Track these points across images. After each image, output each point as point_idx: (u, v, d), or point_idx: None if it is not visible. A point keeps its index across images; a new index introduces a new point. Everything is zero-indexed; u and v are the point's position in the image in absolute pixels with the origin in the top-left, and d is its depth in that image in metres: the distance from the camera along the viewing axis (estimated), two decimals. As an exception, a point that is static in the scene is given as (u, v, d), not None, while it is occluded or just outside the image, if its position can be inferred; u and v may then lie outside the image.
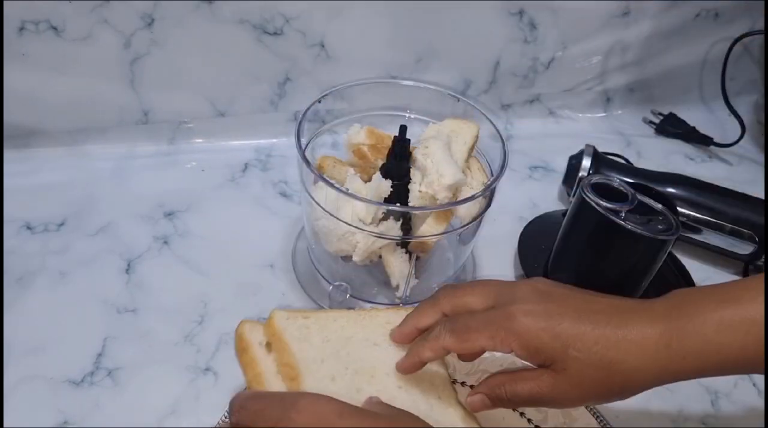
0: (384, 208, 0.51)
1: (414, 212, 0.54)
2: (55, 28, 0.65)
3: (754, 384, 0.57)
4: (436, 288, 0.59)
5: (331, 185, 0.49)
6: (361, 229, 0.51)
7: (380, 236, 0.51)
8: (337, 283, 0.58)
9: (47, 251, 0.61)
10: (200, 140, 0.77)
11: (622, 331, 0.37)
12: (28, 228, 0.64)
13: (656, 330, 0.37)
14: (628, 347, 0.37)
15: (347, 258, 0.56)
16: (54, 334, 0.54)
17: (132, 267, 0.61)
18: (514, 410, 0.48)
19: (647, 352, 0.37)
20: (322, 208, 0.51)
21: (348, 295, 0.58)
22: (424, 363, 0.41)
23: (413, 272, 0.55)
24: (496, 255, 0.66)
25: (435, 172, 0.51)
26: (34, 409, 0.48)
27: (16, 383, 0.50)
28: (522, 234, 0.65)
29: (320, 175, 0.50)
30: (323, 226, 0.53)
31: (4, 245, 0.61)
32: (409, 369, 0.41)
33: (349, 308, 0.56)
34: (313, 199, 0.52)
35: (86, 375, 0.51)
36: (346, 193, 0.50)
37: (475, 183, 0.56)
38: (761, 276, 0.37)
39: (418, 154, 0.53)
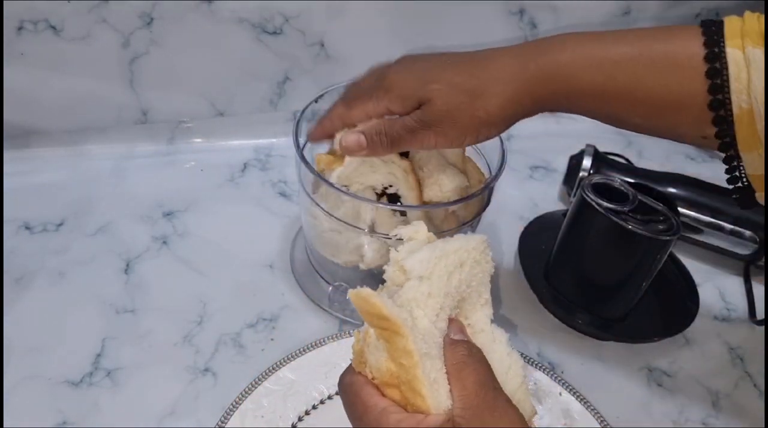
0: (391, 207, 0.51)
1: (415, 211, 0.53)
2: (53, 28, 0.65)
3: (754, 385, 0.57)
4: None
5: (332, 185, 0.49)
6: (376, 234, 0.51)
7: (388, 237, 0.51)
8: (336, 284, 0.58)
9: (46, 251, 0.61)
10: (199, 140, 0.77)
11: (483, 66, 0.41)
12: (27, 228, 0.63)
13: (516, 62, 0.41)
14: (488, 76, 0.41)
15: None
16: (53, 334, 0.54)
17: (131, 267, 0.61)
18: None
19: (504, 77, 0.40)
20: (340, 220, 0.51)
21: (348, 295, 0.58)
22: (326, 135, 0.48)
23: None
24: (496, 255, 0.66)
25: (434, 182, 0.51)
26: (34, 409, 0.48)
27: (16, 383, 0.50)
28: (522, 234, 0.65)
29: (320, 175, 0.50)
30: (330, 239, 0.53)
31: (4, 245, 0.61)
32: (314, 139, 0.50)
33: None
34: (320, 205, 0.51)
35: (85, 375, 0.51)
36: (355, 196, 0.49)
37: (473, 181, 0.56)
38: (634, 30, 0.40)
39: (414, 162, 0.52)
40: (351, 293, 0.32)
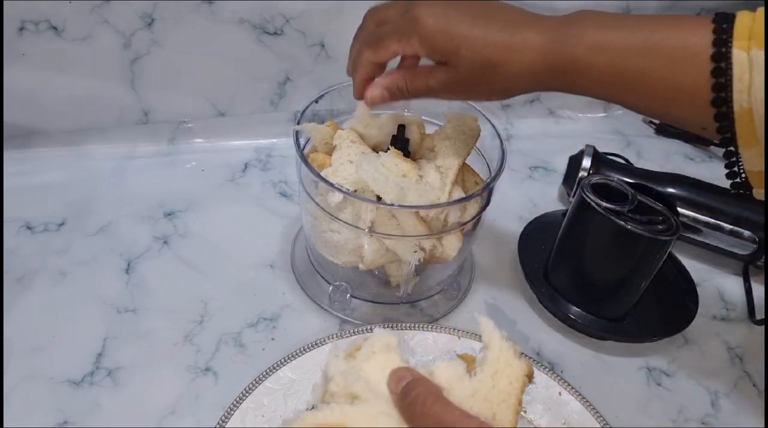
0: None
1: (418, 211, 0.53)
2: (55, 28, 0.65)
3: (754, 385, 0.57)
4: (437, 287, 0.60)
5: (332, 186, 0.49)
6: (376, 234, 0.51)
7: (389, 236, 0.51)
8: (337, 283, 0.58)
9: (47, 251, 0.61)
10: (200, 140, 0.77)
11: (510, 38, 0.42)
12: (28, 228, 0.64)
13: (539, 41, 0.41)
14: (512, 53, 0.42)
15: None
16: (54, 334, 0.54)
17: (132, 267, 0.61)
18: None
19: (525, 60, 0.42)
20: (339, 220, 0.51)
21: (348, 295, 0.58)
22: (366, 81, 0.47)
23: (413, 272, 0.55)
24: (496, 255, 0.66)
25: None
26: (34, 409, 0.48)
27: (17, 383, 0.50)
28: (522, 234, 0.65)
29: (322, 176, 0.50)
30: (330, 239, 0.53)
31: (4, 245, 0.61)
32: (360, 93, 0.48)
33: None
34: (319, 205, 0.52)
35: (86, 375, 0.51)
36: (355, 196, 0.49)
37: (469, 184, 0.56)
38: (652, 18, 0.41)
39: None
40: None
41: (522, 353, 0.39)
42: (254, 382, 0.49)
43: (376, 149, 0.56)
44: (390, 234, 0.51)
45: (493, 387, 0.34)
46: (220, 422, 0.46)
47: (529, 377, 0.36)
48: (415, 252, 0.52)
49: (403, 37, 0.43)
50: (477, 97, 0.47)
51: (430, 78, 0.45)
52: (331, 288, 0.58)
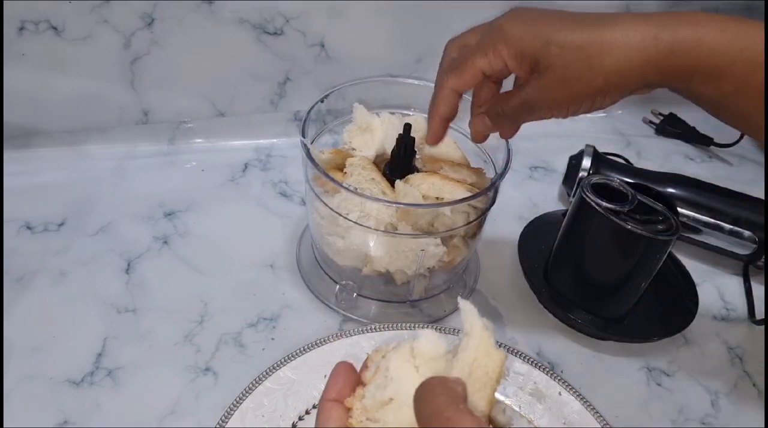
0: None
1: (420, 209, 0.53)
2: (55, 28, 0.65)
3: (754, 385, 0.57)
4: (443, 285, 0.60)
5: (340, 185, 0.49)
6: (389, 233, 0.51)
7: (397, 233, 0.51)
8: (344, 282, 0.58)
9: (47, 251, 0.61)
10: (200, 140, 0.77)
11: (607, 29, 0.38)
12: (28, 228, 0.64)
13: (648, 27, 0.37)
14: (613, 43, 0.37)
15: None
16: (54, 334, 0.54)
17: (132, 267, 0.61)
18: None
19: (633, 43, 0.37)
20: (346, 217, 0.51)
21: (355, 294, 0.58)
22: (444, 119, 0.44)
23: (420, 271, 0.55)
24: (496, 256, 0.66)
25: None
26: (34, 409, 0.48)
27: (16, 383, 0.50)
28: (522, 235, 0.65)
29: (328, 175, 0.50)
30: (334, 243, 0.53)
31: (4, 245, 0.61)
32: (435, 135, 0.45)
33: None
34: (329, 206, 0.52)
35: (86, 375, 0.51)
36: (364, 196, 0.49)
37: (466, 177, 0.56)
38: (756, 21, 0.37)
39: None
40: None
41: (500, 343, 0.37)
42: (254, 382, 0.49)
43: (381, 153, 0.56)
44: (396, 232, 0.51)
45: (469, 375, 0.34)
46: (220, 422, 0.46)
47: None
48: (422, 250, 0.52)
49: (488, 50, 0.40)
50: (578, 105, 0.41)
51: (522, 91, 0.41)
52: (338, 287, 0.58)
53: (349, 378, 0.34)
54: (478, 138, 0.46)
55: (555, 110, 0.42)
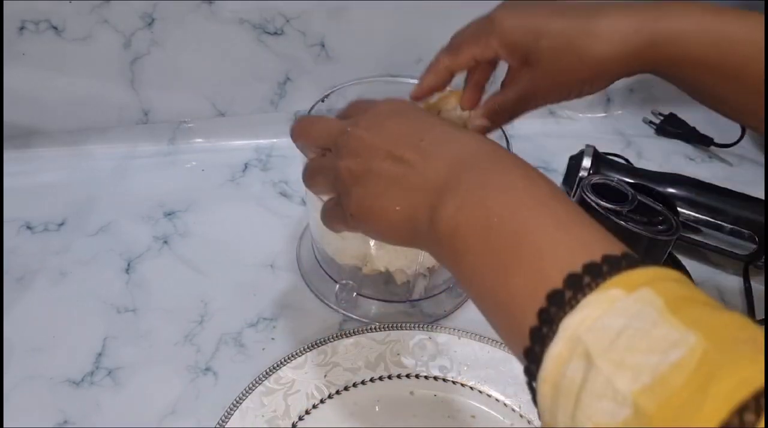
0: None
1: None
2: (55, 28, 0.65)
3: (754, 384, 0.57)
4: (443, 285, 0.60)
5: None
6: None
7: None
8: (344, 282, 0.58)
9: (47, 251, 0.61)
10: (200, 140, 0.77)
11: (593, 21, 0.39)
12: (28, 228, 0.64)
13: (631, 20, 0.39)
14: (599, 35, 0.39)
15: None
16: (54, 334, 0.54)
17: (132, 266, 0.61)
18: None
19: (616, 36, 0.39)
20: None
21: (355, 293, 0.58)
22: (429, 89, 0.46)
23: (420, 270, 0.55)
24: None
25: None
26: (34, 409, 0.48)
27: (17, 383, 0.50)
28: (522, 235, 0.65)
29: None
30: (332, 242, 0.53)
31: (4, 245, 0.61)
32: (418, 93, 0.46)
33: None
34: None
35: (86, 375, 0.51)
36: None
37: None
38: (754, 14, 0.38)
39: None
40: None
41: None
42: (254, 382, 0.49)
43: None
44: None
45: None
46: (220, 422, 0.46)
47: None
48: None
49: (482, 39, 0.42)
50: (567, 93, 0.44)
51: (514, 84, 0.43)
52: (338, 286, 0.58)
53: None
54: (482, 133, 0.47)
55: (548, 99, 0.44)
